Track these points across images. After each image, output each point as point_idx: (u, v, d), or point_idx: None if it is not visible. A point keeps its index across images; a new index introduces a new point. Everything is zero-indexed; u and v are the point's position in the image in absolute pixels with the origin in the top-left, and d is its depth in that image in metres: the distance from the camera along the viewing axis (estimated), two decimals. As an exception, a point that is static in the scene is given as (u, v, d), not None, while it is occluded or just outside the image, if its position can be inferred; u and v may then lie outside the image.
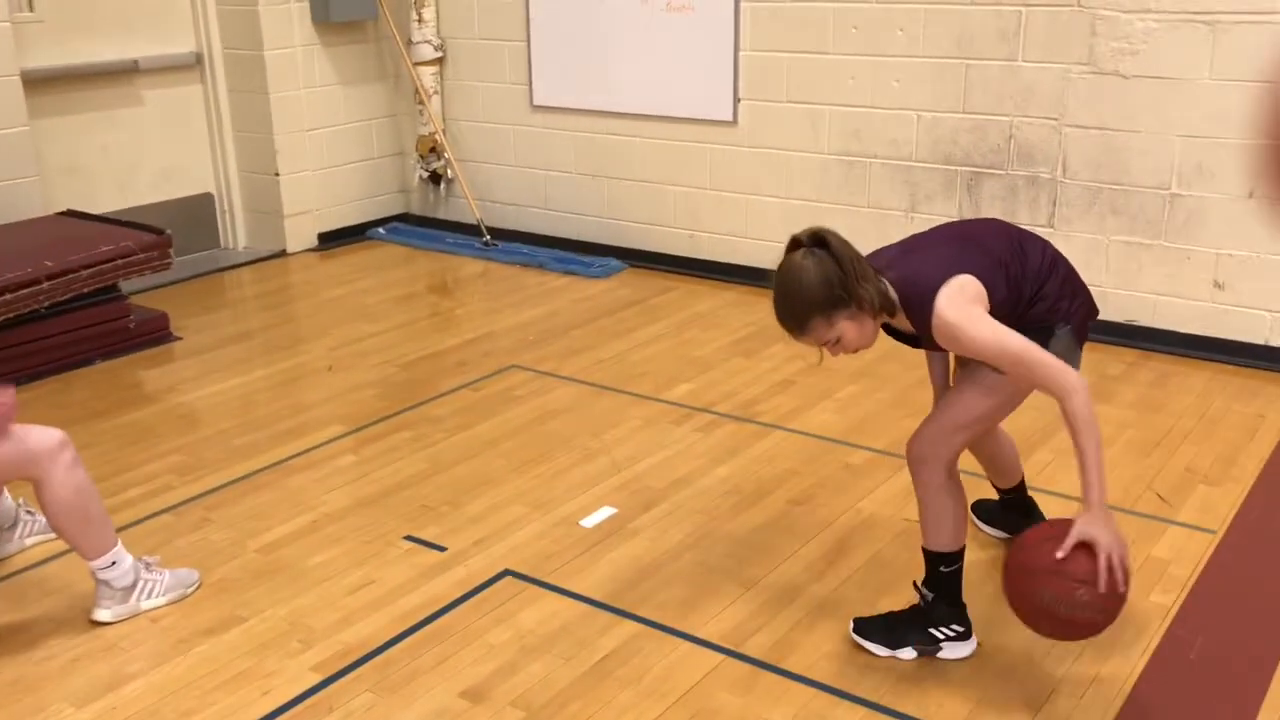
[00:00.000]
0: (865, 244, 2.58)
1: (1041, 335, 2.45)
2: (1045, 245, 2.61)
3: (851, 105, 5.15)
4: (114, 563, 2.80)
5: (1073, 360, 2.50)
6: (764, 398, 4.20)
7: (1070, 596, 2.27)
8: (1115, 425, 3.89)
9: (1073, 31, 4.56)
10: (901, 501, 3.34)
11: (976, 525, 3.20)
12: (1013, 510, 3.12)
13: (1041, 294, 2.50)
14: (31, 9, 5.25)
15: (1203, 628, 2.78)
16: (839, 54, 5.12)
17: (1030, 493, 3.15)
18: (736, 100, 5.45)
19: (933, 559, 2.64)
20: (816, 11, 5.12)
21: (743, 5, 5.30)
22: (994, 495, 3.19)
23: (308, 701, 2.54)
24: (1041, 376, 2.33)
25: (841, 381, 4.32)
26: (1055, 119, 4.68)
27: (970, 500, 2.80)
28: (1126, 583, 2.30)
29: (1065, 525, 2.33)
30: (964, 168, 4.92)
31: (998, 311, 2.41)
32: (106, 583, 2.81)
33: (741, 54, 5.37)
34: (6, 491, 3.13)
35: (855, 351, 2.52)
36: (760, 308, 5.16)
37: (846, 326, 2.42)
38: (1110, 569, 2.26)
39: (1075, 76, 4.60)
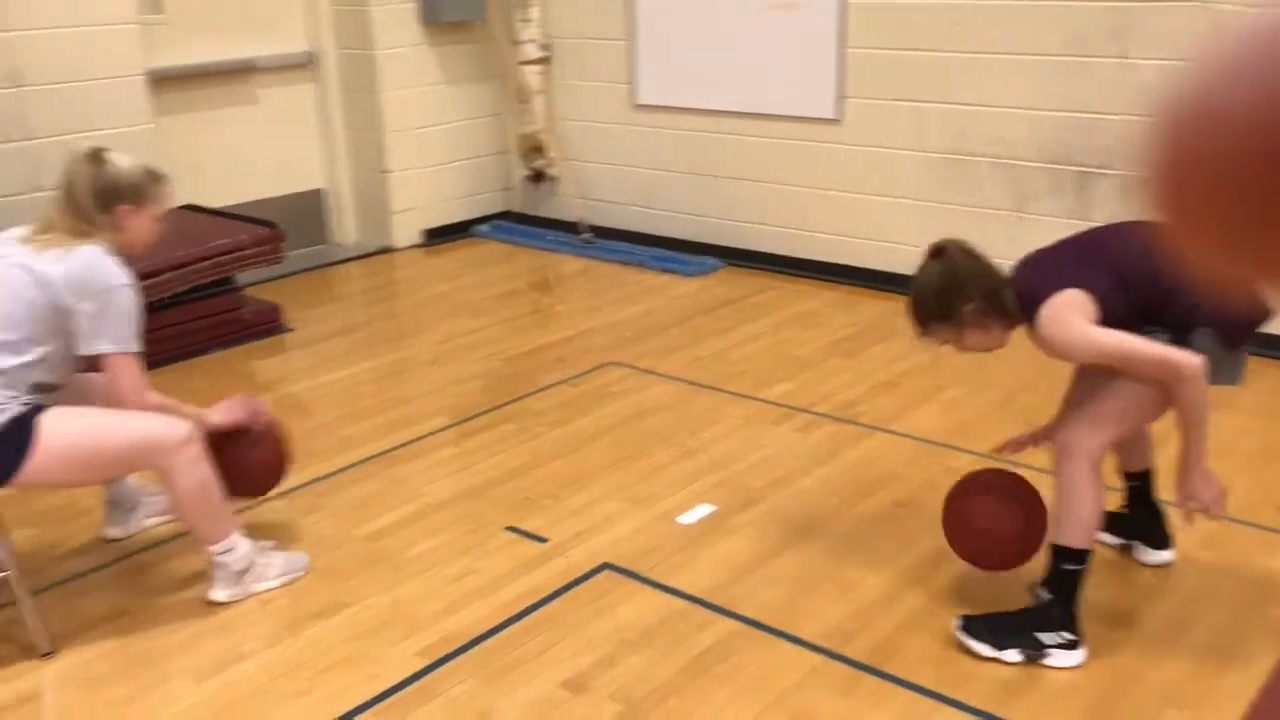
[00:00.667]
0: (972, 243, 2.62)
1: (1178, 336, 2.44)
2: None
3: (957, 103, 5.08)
4: (231, 548, 2.90)
5: (1224, 366, 2.47)
6: (865, 399, 4.16)
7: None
8: (1235, 432, 3.77)
9: (1190, 27, 4.42)
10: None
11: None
12: (1136, 505, 3.03)
13: (1173, 297, 2.45)
14: (159, 10, 5.45)
15: (1324, 645, 2.68)
16: (945, 51, 5.05)
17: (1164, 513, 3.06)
18: (840, 98, 5.41)
19: (1059, 555, 2.59)
20: (923, 9, 5.06)
21: (849, 3, 5.26)
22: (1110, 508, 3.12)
23: (412, 686, 2.60)
24: (1149, 366, 2.42)
25: (945, 383, 4.26)
26: (1172, 118, 4.55)
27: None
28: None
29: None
30: (1072, 167, 4.82)
31: (1121, 317, 2.42)
32: (223, 565, 2.91)
33: (847, 51, 5.33)
34: (130, 476, 3.25)
35: (986, 350, 2.67)
36: (862, 308, 5.15)
37: (963, 333, 2.61)
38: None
39: (1194, 74, 4.46)
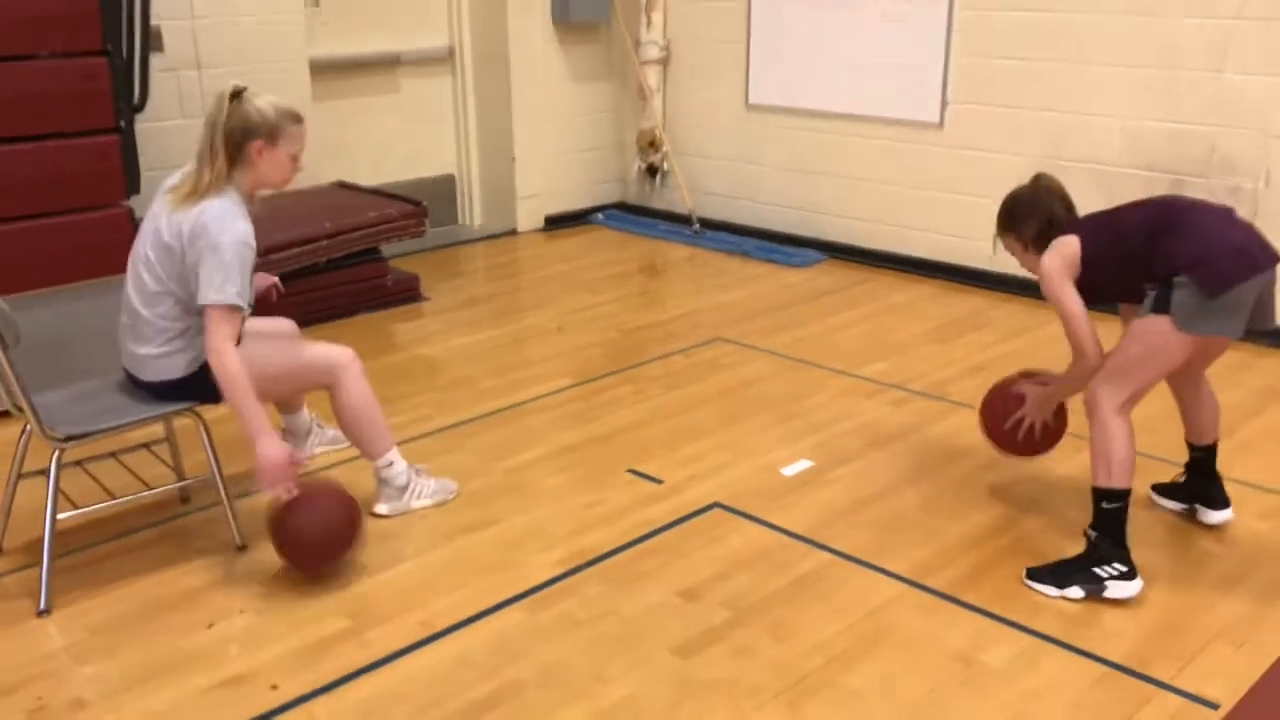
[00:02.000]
0: None
1: (1164, 287, 2.84)
2: (1193, 208, 2.98)
3: (1056, 111, 5.37)
4: (391, 464, 3.36)
5: (1207, 315, 2.80)
6: (955, 379, 4.50)
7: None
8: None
9: (1284, 45, 4.68)
10: (1081, 476, 3.60)
11: (1156, 501, 3.45)
12: (1195, 474, 3.34)
13: (1158, 252, 2.87)
14: (318, 4, 6.00)
15: (1366, 601, 2.97)
16: (1047, 60, 5.35)
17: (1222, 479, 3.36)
18: (944, 104, 5.74)
19: (1098, 495, 2.94)
20: (1028, 21, 5.36)
21: (956, 14, 5.58)
22: (1169, 480, 3.44)
23: (552, 588, 3.03)
24: (1067, 332, 3.05)
25: (1031, 369, 4.56)
26: (1261, 130, 4.80)
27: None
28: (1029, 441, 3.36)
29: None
30: (1165, 175, 5.08)
31: (1114, 264, 2.98)
32: (386, 481, 3.38)
33: (952, 59, 5.66)
34: (306, 407, 3.75)
35: (1029, 271, 3.17)
36: (956, 301, 5.48)
37: (1012, 245, 3.21)
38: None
39: (1285, 89, 4.71)
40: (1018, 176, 5.56)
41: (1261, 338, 4.72)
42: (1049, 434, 3.42)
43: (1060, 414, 3.41)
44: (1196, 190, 4.99)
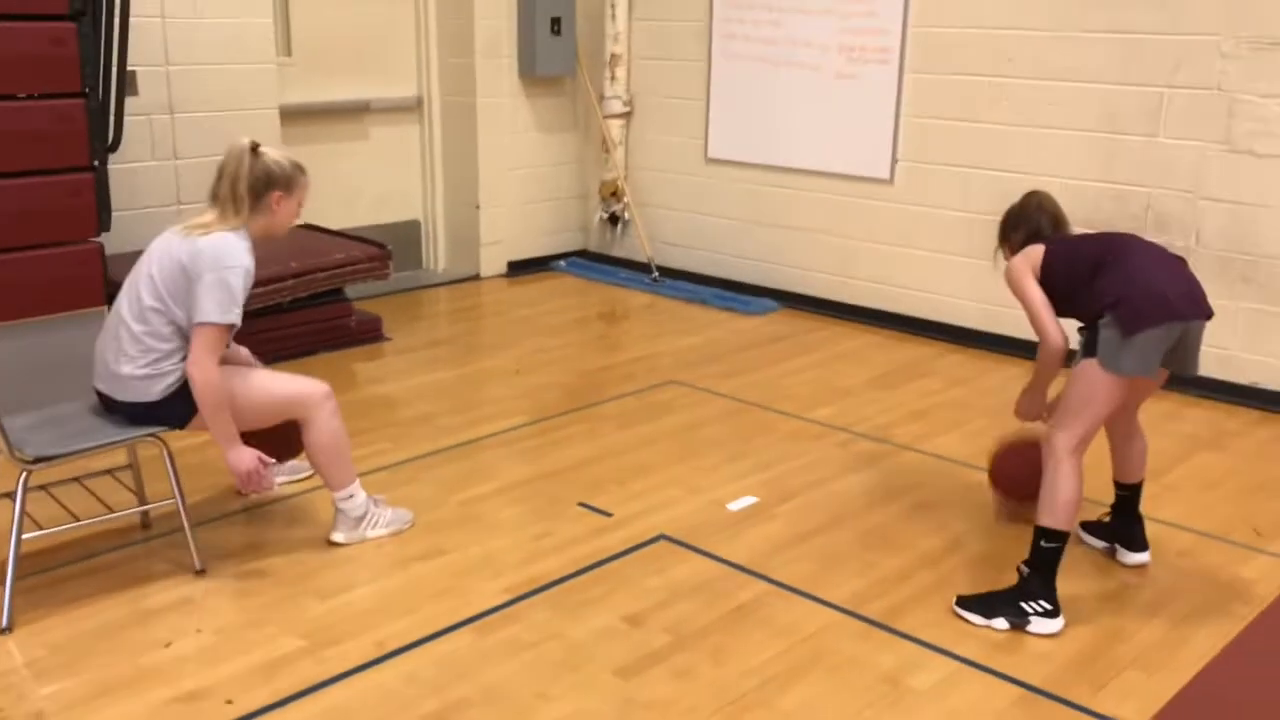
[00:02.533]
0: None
1: (1093, 330, 3.08)
2: (1136, 251, 3.18)
3: (1001, 170, 5.61)
4: (352, 495, 3.48)
5: (1123, 352, 3.00)
6: (899, 423, 4.67)
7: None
8: (1224, 471, 4.23)
9: (1212, 113, 4.94)
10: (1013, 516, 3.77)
11: (1080, 536, 3.62)
12: (1120, 514, 3.51)
13: (1093, 287, 3.10)
14: (290, 54, 6.18)
15: (1272, 638, 3.14)
16: (992, 123, 5.60)
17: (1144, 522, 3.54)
18: (894, 161, 5.97)
19: (1038, 533, 3.10)
20: (973, 84, 5.62)
21: (906, 76, 5.84)
22: (1095, 519, 3.62)
23: (500, 613, 3.14)
24: (1029, 317, 3.25)
25: (973, 417, 4.77)
26: (1191, 192, 5.05)
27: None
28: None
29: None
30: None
31: (1061, 283, 3.21)
32: (344, 511, 3.49)
33: (902, 119, 5.90)
34: (265, 438, 3.85)
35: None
36: (902, 350, 5.68)
37: (1006, 256, 3.45)
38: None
39: (1212, 154, 4.97)
40: (965, 231, 5.84)
41: (1190, 388, 4.94)
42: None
43: None
44: (1130, 247, 5.23)
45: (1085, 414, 3.10)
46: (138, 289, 3.19)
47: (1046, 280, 3.24)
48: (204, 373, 3.11)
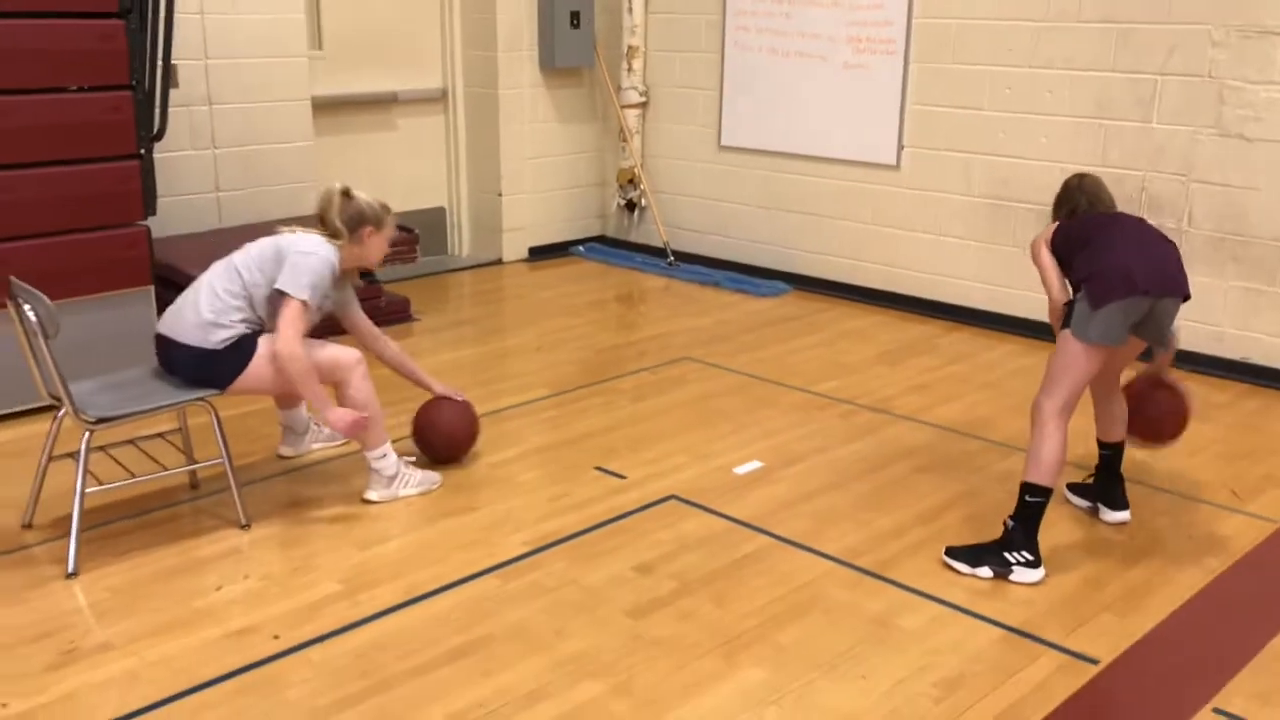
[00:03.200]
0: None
1: (1070, 304, 3.36)
2: (1117, 228, 3.42)
3: (1002, 156, 5.83)
4: (384, 455, 3.76)
5: (1089, 323, 3.26)
6: (899, 396, 4.91)
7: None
8: (1209, 439, 4.45)
9: (1203, 99, 5.15)
10: (1005, 480, 4.01)
11: (1066, 496, 3.86)
12: (1103, 474, 3.75)
13: (1074, 263, 3.38)
14: (321, 47, 6.46)
15: (1241, 586, 3.38)
16: (993, 111, 5.82)
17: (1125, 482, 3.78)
18: (900, 148, 6.20)
19: (1023, 488, 3.34)
20: (975, 73, 5.84)
21: (911, 66, 6.06)
22: (1083, 479, 3.86)
23: (522, 562, 3.41)
24: (1042, 280, 3.53)
25: (971, 391, 5.00)
26: (1183, 175, 5.26)
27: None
28: None
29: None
30: (1099, 215, 5.53)
31: (1060, 256, 3.50)
32: (377, 471, 3.77)
33: (907, 107, 6.13)
34: (304, 406, 4.14)
35: None
36: (907, 328, 5.91)
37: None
38: None
39: (1203, 138, 5.18)
40: (968, 214, 6.06)
41: (1182, 363, 5.14)
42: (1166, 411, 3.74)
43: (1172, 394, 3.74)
44: (1125, 229, 5.44)
45: (1064, 380, 3.34)
46: (227, 261, 3.59)
47: (1056, 253, 3.53)
48: (287, 345, 3.47)
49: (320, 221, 3.65)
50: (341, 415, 3.58)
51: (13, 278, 3.36)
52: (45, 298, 3.21)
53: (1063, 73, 5.55)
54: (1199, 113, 5.18)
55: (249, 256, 3.58)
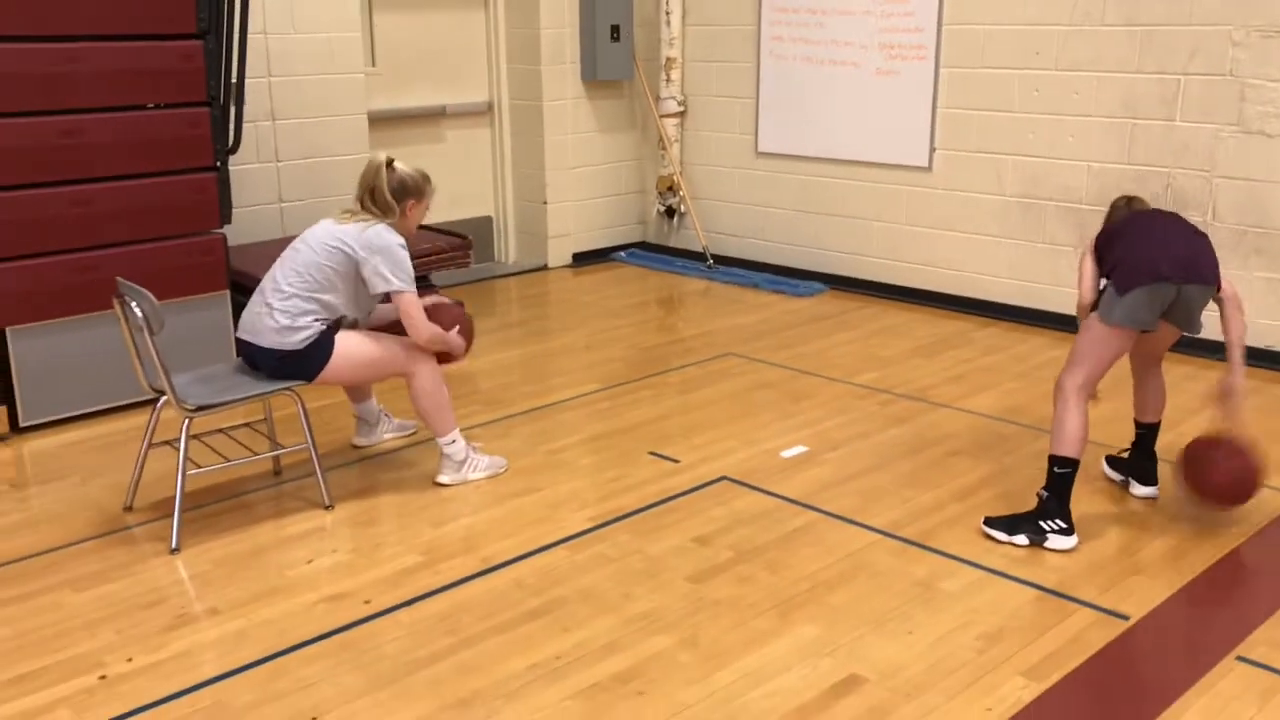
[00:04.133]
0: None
1: (1101, 291, 3.59)
2: (1146, 221, 3.66)
3: (1031, 156, 6.05)
4: (454, 441, 4.02)
5: (1117, 308, 3.49)
6: (937, 385, 5.14)
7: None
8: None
9: (1225, 97, 5.35)
10: (1037, 458, 4.22)
11: (1105, 471, 4.08)
12: (1138, 451, 3.97)
13: (1107, 254, 3.61)
14: (375, 64, 6.77)
15: (1264, 550, 3.59)
16: (1022, 112, 6.05)
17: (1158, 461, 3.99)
18: (932, 150, 6.43)
19: (1052, 461, 3.57)
20: (1004, 77, 6.07)
21: (941, 70, 6.30)
22: (1116, 453, 4.08)
23: (588, 535, 3.67)
24: (1079, 280, 3.73)
25: (1006, 379, 5.22)
26: (1207, 171, 5.47)
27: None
28: None
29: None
30: (1126, 210, 5.74)
31: (1101, 255, 3.70)
32: (448, 456, 4.03)
33: (938, 111, 6.36)
34: (374, 398, 4.41)
35: None
36: (942, 324, 6.14)
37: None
38: None
39: (1226, 135, 5.38)
40: (999, 213, 6.29)
41: (1209, 352, 5.35)
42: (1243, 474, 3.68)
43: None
44: (1152, 223, 5.65)
45: (1088, 360, 3.57)
46: (293, 261, 3.78)
47: (1097, 254, 3.75)
48: (424, 329, 3.82)
49: (370, 196, 3.79)
50: (454, 339, 3.97)
51: (119, 278, 3.65)
52: (150, 295, 3.51)
53: (1089, 74, 5.77)
54: (1221, 111, 5.38)
55: (314, 255, 3.73)
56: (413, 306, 3.80)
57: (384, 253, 3.76)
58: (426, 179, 3.93)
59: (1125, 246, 3.60)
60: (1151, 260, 3.51)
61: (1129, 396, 4.01)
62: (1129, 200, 3.90)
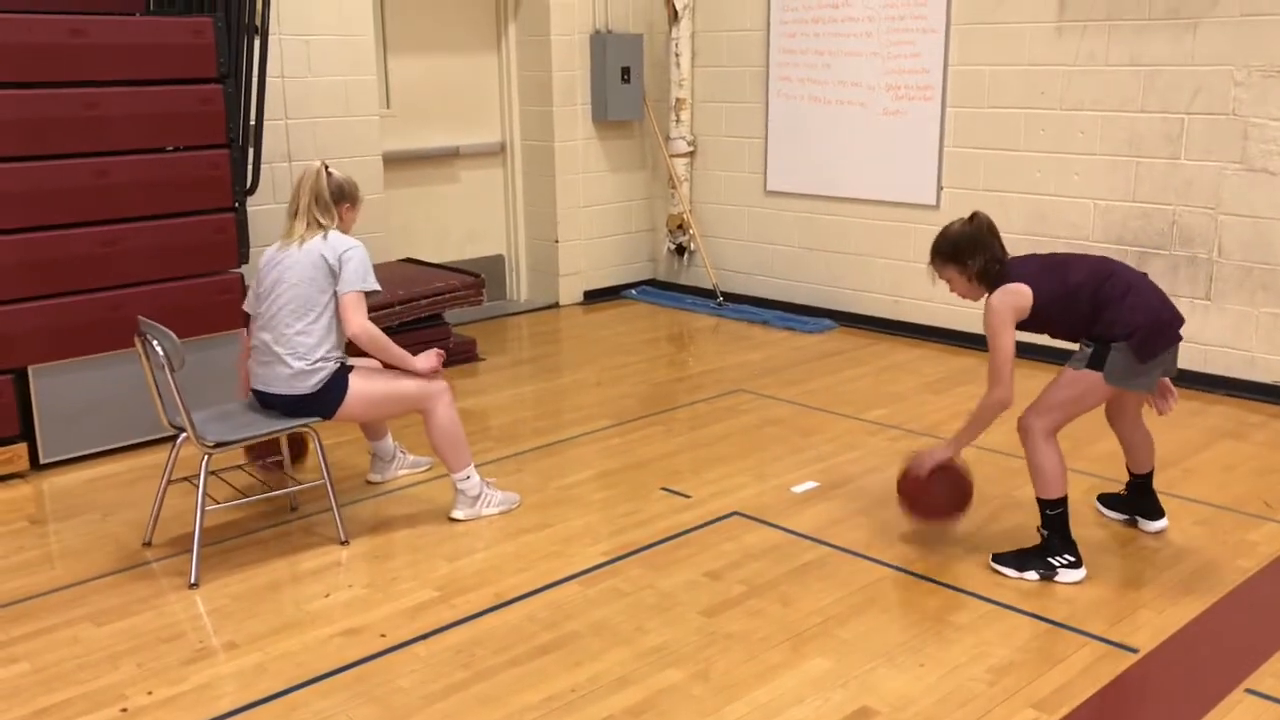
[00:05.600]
0: None
1: (1102, 347, 3.47)
2: (1128, 283, 3.53)
3: (1038, 194, 6.12)
4: (469, 477, 4.07)
5: (1134, 375, 3.47)
6: (946, 421, 5.18)
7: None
8: (1243, 456, 4.68)
9: (1228, 135, 5.42)
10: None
11: (1100, 511, 4.10)
12: (1134, 493, 3.99)
13: (1101, 317, 3.48)
14: (389, 106, 6.89)
15: (1272, 584, 3.61)
16: (1028, 151, 6.12)
17: (1159, 497, 3.99)
18: (939, 188, 6.51)
19: (1040, 504, 3.60)
20: (1010, 116, 6.15)
21: (948, 110, 6.39)
22: (1112, 491, 4.10)
23: (600, 570, 3.71)
24: (993, 367, 3.57)
25: (1012, 415, 5.23)
26: (1212, 208, 5.53)
27: (1097, 493, 4.00)
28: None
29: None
30: (1133, 248, 5.80)
31: (1060, 321, 3.56)
32: (462, 491, 4.08)
33: (945, 150, 6.44)
34: (389, 436, 4.47)
35: (962, 297, 3.68)
36: (950, 360, 6.18)
37: (958, 279, 3.63)
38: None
39: (1230, 173, 5.45)
40: (1008, 253, 6.32)
41: (1215, 388, 5.39)
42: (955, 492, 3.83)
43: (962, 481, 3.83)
44: (1160, 260, 5.70)
45: (1068, 411, 3.59)
46: (285, 303, 3.76)
47: (1039, 315, 3.53)
48: (363, 328, 3.77)
49: (316, 202, 3.80)
50: (425, 361, 3.91)
51: (141, 316, 3.72)
52: (171, 333, 3.58)
53: (1094, 113, 5.84)
54: (1225, 149, 5.45)
55: (299, 285, 3.73)
56: (361, 305, 3.80)
57: (355, 249, 3.80)
58: (356, 185, 3.98)
59: (1122, 311, 3.44)
60: (1166, 323, 3.51)
61: (1111, 437, 3.99)
62: (981, 218, 3.63)
